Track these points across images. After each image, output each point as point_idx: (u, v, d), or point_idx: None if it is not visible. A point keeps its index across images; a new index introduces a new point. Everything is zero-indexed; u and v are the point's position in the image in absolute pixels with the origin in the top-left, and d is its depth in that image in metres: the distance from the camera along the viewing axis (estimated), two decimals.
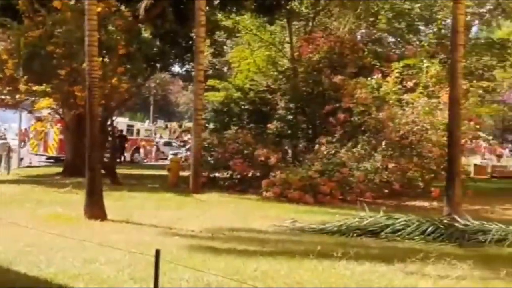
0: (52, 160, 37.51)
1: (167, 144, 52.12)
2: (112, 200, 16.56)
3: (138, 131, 45.67)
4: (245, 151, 23.50)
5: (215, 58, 39.83)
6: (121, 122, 40.14)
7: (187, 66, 35.79)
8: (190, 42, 28.89)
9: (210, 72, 37.64)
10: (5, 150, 29.44)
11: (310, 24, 32.36)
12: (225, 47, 40.38)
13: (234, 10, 30.15)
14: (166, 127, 66.55)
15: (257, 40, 34.29)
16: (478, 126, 23.87)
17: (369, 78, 24.04)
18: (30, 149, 38.68)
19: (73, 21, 22.40)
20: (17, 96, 25.00)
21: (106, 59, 23.08)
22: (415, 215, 14.49)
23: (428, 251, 10.83)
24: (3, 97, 25.39)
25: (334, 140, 22.75)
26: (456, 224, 13.55)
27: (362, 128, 23.14)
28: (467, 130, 22.27)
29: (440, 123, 21.88)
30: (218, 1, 29.05)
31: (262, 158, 22.58)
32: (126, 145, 41.45)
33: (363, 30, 33.12)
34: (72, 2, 23.35)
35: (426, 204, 20.75)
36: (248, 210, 17.28)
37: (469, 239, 12.84)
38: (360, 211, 15.31)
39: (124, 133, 41.50)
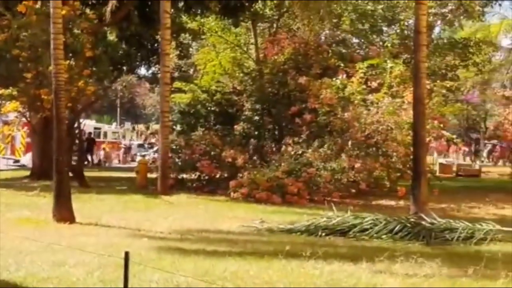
0: (19, 164, 37.20)
1: (141, 146, 52.38)
2: (80, 202, 16.52)
3: (105, 133, 45.47)
4: (212, 153, 23.54)
5: (181, 60, 39.78)
6: (88, 124, 39.91)
7: (153, 68, 35.79)
8: (156, 45, 28.88)
9: (176, 74, 37.60)
10: None
11: (275, 25, 32.52)
12: (190, 49, 40.38)
13: (198, 12, 30.14)
14: (134, 129, 66.29)
15: (222, 42, 34.35)
16: (442, 125, 24.17)
17: (334, 79, 24.21)
18: None
19: (38, 24, 22.29)
20: None
21: (72, 62, 22.98)
22: (382, 214, 14.64)
23: (396, 249, 10.95)
24: None
25: (300, 140, 22.85)
26: (423, 222, 13.67)
27: (328, 129, 23.30)
28: (431, 129, 22.55)
29: (404, 123, 22.15)
30: (183, 3, 29.03)
31: (229, 159, 22.65)
32: (95, 148, 41.22)
33: (327, 31, 33.31)
34: (37, 6, 23.22)
35: (393, 203, 20.97)
36: (216, 211, 17.32)
37: (436, 238, 12.94)
38: (327, 211, 15.42)
39: (92, 135, 41.26)
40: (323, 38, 32.62)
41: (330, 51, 28.21)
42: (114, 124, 62.90)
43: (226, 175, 23.15)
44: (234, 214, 16.63)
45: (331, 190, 20.99)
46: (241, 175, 21.28)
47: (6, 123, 31.21)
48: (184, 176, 24.29)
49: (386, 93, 23.42)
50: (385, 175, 22.40)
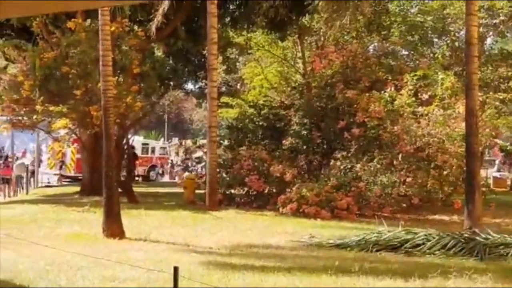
0: (69, 180, 37.61)
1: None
2: (129, 218, 16.61)
3: (153, 149, 45.67)
4: (261, 168, 23.42)
5: (228, 75, 39.90)
6: (136, 140, 40.13)
7: (200, 83, 35.91)
8: (203, 60, 29.01)
9: (223, 89, 37.71)
10: (23, 170, 29.62)
11: (322, 38, 32.37)
12: (237, 63, 40.48)
13: (245, 27, 30.21)
14: (181, 144, 66.58)
15: (269, 56, 34.34)
16: (494, 134, 23.69)
17: (382, 92, 23.94)
18: (48, 169, 38.86)
19: (87, 41, 22.62)
20: (34, 117, 25.14)
21: (121, 79, 23.19)
22: (435, 229, 14.39)
23: (449, 265, 10.76)
24: (20, 118, 25.54)
25: (349, 154, 22.65)
26: (477, 238, 13.39)
27: (377, 142, 23.02)
28: (483, 137, 22.06)
29: (457, 135, 21.78)
30: (229, 18, 29.14)
31: (278, 174, 22.51)
32: (136, 163, 41.08)
33: (376, 44, 33.05)
34: (86, 23, 23.53)
35: (446, 218, 20.58)
36: (265, 226, 17.24)
37: (490, 253, 12.68)
38: (378, 226, 15.22)
39: (139, 151, 41.28)
40: (371, 50, 32.34)
41: (378, 63, 27.89)
42: (161, 139, 63.26)
43: (274, 190, 22.99)
44: (283, 229, 16.52)
45: (382, 204, 20.74)
46: (289, 190, 21.15)
47: (56, 139, 31.55)
48: (232, 191, 24.22)
49: (437, 105, 23.06)
50: (438, 188, 21.97)
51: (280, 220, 19.03)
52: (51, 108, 23.73)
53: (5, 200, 25.75)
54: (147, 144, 46.00)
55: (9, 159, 31.34)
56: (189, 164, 48.77)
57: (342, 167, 22.29)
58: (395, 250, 13.11)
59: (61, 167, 36.90)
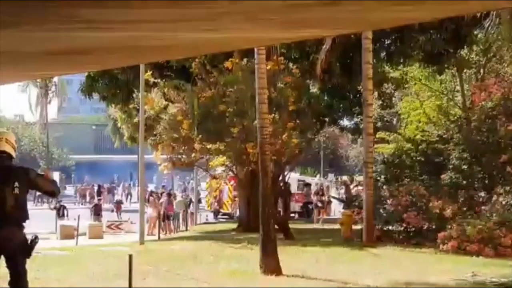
0: (227, 217, 38.37)
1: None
2: (286, 254, 16.64)
3: (309, 185, 45.77)
4: (419, 203, 22.91)
5: (384, 110, 39.46)
6: (292, 177, 40.38)
7: (355, 119, 35.77)
8: (358, 95, 28.90)
9: (379, 124, 37.31)
10: (183, 207, 30.57)
11: (482, 71, 31.42)
12: (393, 98, 39.96)
13: (401, 61, 29.84)
14: (337, 180, 66.51)
15: (426, 90, 33.69)
16: None
17: None
18: (206, 206, 39.92)
19: (244, 80, 23.12)
20: (193, 155, 25.93)
21: (276, 116, 23.50)
22: None
23: None
24: (179, 156, 26.42)
25: None
26: None
27: None
28: None
29: None
30: (384, 53, 28.92)
31: (437, 210, 21.93)
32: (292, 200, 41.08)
33: None
34: (243, 62, 24.10)
35: None
36: (424, 263, 16.79)
37: None
38: None
39: (294, 187, 41.30)
40: None
41: None
42: (317, 176, 63.38)
43: (433, 226, 22.39)
44: (443, 267, 16.03)
45: None
46: (450, 226, 20.51)
47: (214, 177, 32.41)
48: (390, 227, 23.80)
49: None
50: None
51: (440, 257, 18.46)
52: (209, 146, 24.38)
53: (166, 237, 26.64)
54: (303, 180, 46.18)
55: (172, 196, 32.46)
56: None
57: (504, 203, 21.37)
58: None
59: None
